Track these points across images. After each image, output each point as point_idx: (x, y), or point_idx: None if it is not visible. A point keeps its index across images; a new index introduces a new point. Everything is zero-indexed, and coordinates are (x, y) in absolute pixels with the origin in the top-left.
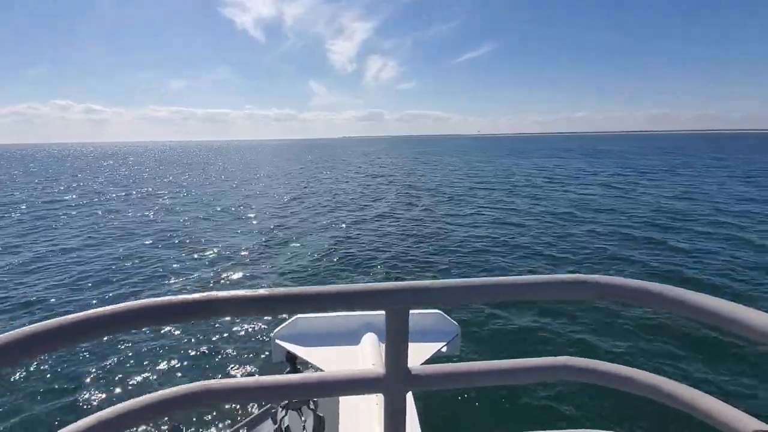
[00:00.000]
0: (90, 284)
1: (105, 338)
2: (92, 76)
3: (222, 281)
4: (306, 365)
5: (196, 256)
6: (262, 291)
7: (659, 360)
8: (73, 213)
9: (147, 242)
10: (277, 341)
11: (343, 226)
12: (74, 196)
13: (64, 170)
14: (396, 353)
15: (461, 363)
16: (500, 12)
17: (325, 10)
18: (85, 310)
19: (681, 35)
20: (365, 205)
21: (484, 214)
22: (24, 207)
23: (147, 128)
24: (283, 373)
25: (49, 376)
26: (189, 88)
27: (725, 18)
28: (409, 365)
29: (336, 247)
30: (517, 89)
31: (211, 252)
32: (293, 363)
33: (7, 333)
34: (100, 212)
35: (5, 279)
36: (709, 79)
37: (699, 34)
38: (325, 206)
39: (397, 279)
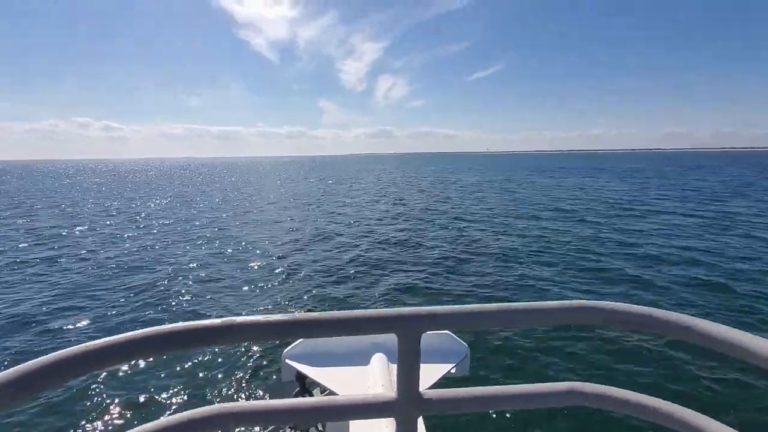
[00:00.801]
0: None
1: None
2: (111, 95)
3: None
4: (315, 384)
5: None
6: (278, 316)
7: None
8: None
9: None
10: (286, 361)
11: (389, 277)
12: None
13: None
14: (407, 378)
15: (472, 387)
16: (510, 32)
17: (337, 33)
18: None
19: (692, 52)
20: (409, 243)
21: (575, 264)
22: None
23: (163, 145)
24: (292, 393)
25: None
26: (204, 106)
27: (737, 34)
28: (420, 388)
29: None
30: (527, 107)
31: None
32: (302, 383)
33: (44, 356)
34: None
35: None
36: (721, 96)
37: (710, 51)
38: (356, 245)
39: None
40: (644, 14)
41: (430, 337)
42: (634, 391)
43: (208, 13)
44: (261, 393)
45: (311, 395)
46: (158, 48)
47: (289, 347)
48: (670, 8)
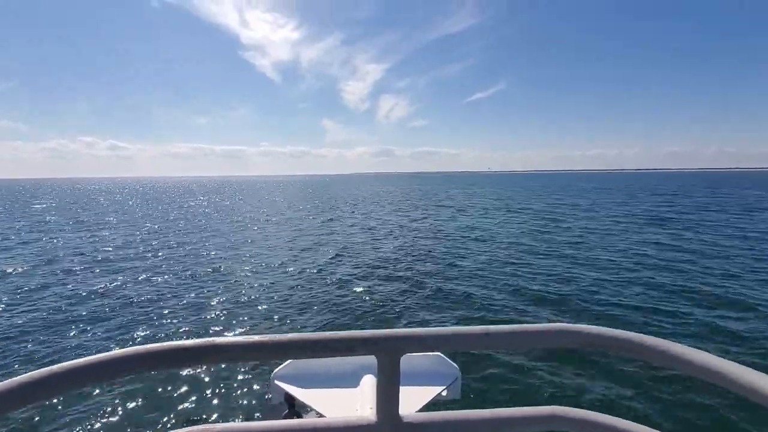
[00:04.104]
0: None
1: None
2: (117, 114)
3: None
4: (305, 406)
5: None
6: (257, 337)
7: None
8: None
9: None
10: (276, 382)
11: None
12: None
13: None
14: (387, 401)
15: (453, 411)
16: (510, 54)
17: (340, 54)
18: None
19: (694, 72)
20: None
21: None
22: None
23: (169, 164)
24: (281, 415)
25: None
26: (209, 126)
27: (738, 53)
28: (404, 411)
29: None
30: (528, 127)
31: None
32: (291, 404)
33: (20, 376)
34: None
35: None
36: (724, 116)
37: (712, 70)
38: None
39: None
40: (645, 35)
41: (419, 359)
42: (616, 416)
43: (216, 35)
44: (250, 414)
45: (300, 417)
46: (165, 69)
47: (279, 368)
48: (670, 28)
